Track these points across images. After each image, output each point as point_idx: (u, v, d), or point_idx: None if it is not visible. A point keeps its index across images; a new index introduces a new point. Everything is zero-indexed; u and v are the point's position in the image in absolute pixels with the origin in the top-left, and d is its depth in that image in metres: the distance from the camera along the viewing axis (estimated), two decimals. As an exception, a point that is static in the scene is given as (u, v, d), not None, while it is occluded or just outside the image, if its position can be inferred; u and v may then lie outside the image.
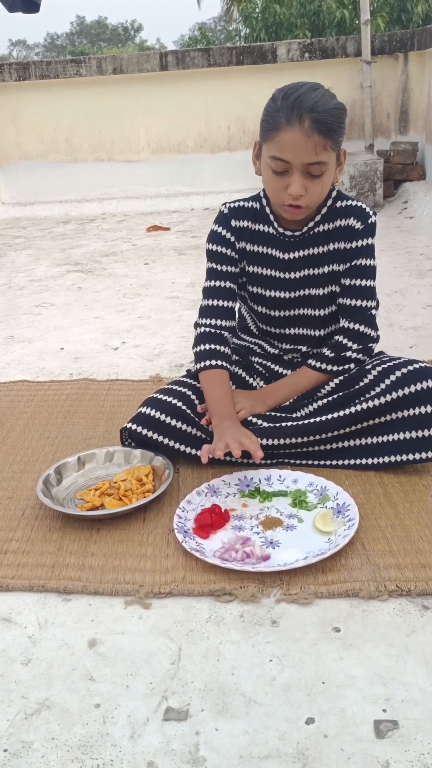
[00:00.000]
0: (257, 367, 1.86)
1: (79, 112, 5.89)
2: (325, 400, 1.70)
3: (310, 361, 1.76)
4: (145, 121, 5.89)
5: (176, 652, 1.18)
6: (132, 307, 3.16)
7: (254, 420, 1.69)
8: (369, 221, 1.69)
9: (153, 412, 1.66)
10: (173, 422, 1.65)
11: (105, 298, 3.32)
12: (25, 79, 5.78)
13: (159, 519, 1.52)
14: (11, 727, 1.06)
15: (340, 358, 1.72)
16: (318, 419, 1.64)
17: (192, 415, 1.67)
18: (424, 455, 1.59)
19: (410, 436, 1.59)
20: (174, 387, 1.74)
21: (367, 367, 1.69)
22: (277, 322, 1.82)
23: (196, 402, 1.70)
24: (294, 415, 1.72)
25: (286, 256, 1.73)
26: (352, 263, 1.70)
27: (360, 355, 1.71)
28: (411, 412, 1.58)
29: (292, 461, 1.69)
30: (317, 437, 1.65)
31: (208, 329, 1.75)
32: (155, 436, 1.66)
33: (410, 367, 1.60)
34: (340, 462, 1.67)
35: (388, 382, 1.60)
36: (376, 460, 1.64)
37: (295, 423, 1.66)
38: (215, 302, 1.76)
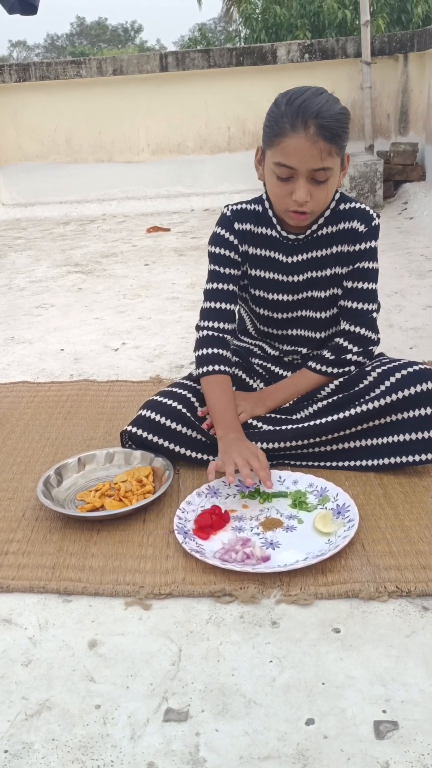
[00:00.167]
0: (257, 368, 1.86)
1: (79, 113, 5.89)
2: (325, 402, 1.70)
3: (310, 363, 1.76)
4: (145, 122, 5.90)
5: (176, 653, 1.18)
6: (132, 308, 3.16)
7: (254, 423, 1.69)
8: (372, 224, 1.68)
9: (153, 415, 1.66)
10: (173, 425, 1.65)
11: (105, 299, 3.32)
12: (25, 81, 5.79)
13: (159, 520, 1.53)
14: (12, 728, 1.06)
15: (340, 361, 1.72)
16: (318, 422, 1.64)
17: (192, 418, 1.67)
18: (424, 457, 1.59)
19: (410, 437, 1.59)
20: (174, 389, 1.73)
21: (367, 368, 1.68)
22: (278, 324, 1.82)
23: (197, 405, 1.70)
24: (294, 417, 1.72)
25: (289, 260, 1.73)
26: (355, 266, 1.69)
27: (360, 358, 1.71)
28: (411, 413, 1.58)
29: (292, 462, 1.69)
30: (318, 439, 1.65)
31: (210, 332, 1.74)
32: (155, 439, 1.66)
33: (410, 369, 1.60)
34: (341, 463, 1.67)
35: (387, 383, 1.60)
36: (376, 462, 1.64)
37: (295, 426, 1.66)
38: (217, 305, 1.75)
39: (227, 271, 1.75)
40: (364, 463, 1.65)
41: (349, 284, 1.71)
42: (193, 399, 1.71)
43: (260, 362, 1.87)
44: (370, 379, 1.65)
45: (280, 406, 1.75)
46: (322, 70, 5.55)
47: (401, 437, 1.60)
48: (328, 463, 1.67)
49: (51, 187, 6.04)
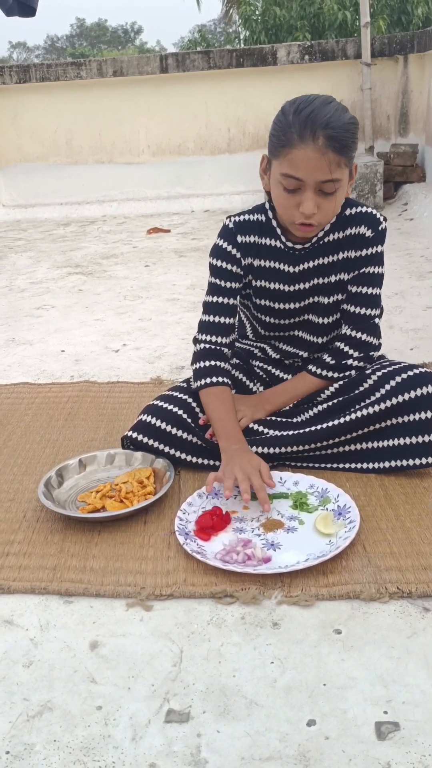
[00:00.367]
0: (257, 371, 1.85)
1: (79, 115, 5.90)
2: (324, 405, 1.70)
3: (309, 366, 1.75)
4: (146, 124, 5.90)
5: (178, 654, 1.18)
6: (132, 309, 3.16)
7: (256, 428, 1.69)
8: (380, 228, 1.65)
9: (153, 420, 1.66)
10: (173, 431, 1.65)
11: (106, 300, 3.32)
12: (25, 82, 5.79)
13: (160, 521, 1.53)
14: (13, 729, 1.06)
15: (340, 366, 1.71)
16: (319, 427, 1.64)
17: (192, 423, 1.67)
18: (424, 460, 1.59)
19: (411, 441, 1.59)
20: (174, 394, 1.73)
21: (367, 371, 1.68)
22: (281, 329, 1.81)
23: (197, 409, 1.70)
24: (294, 420, 1.71)
25: (294, 269, 1.70)
26: (360, 271, 1.67)
27: (360, 363, 1.70)
28: (411, 417, 1.58)
29: (293, 464, 1.69)
30: (319, 444, 1.65)
31: (207, 345, 1.72)
32: (155, 444, 1.66)
33: (410, 373, 1.60)
34: (342, 465, 1.67)
35: (387, 387, 1.60)
36: (376, 465, 1.64)
37: (295, 432, 1.65)
38: (216, 319, 1.72)
39: (227, 284, 1.72)
40: (365, 465, 1.65)
41: (354, 289, 1.69)
42: (194, 404, 1.70)
43: (260, 364, 1.86)
44: (370, 382, 1.64)
45: (280, 409, 1.75)
46: (322, 71, 5.56)
47: (402, 440, 1.60)
48: (329, 465, 1.67)
49: (51, 188, 6.04)
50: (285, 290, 1.73)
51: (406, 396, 1.57)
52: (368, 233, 1.65)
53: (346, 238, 1.66)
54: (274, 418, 1.72)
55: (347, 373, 1.71)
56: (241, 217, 1.72)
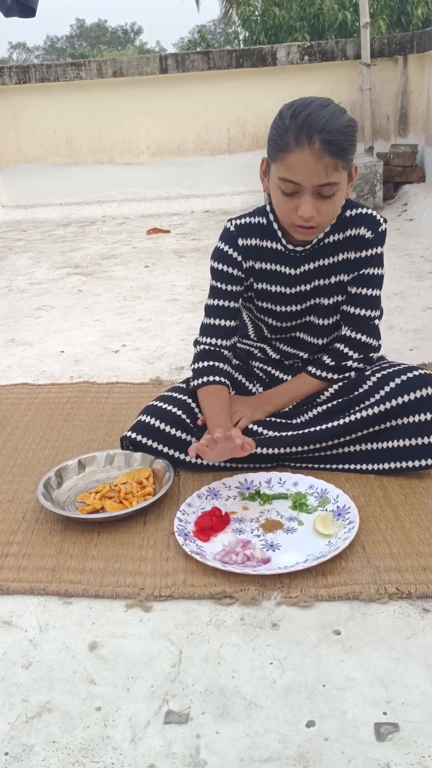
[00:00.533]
0: (257, 372, 1.85)
1: (79, 115, 5.90)
2: (324, 407, 1.69)
3: (309, 368, 1.75)
4: (145, 124, 5.90)
5: (177, 655, 1.18)
6: (132, 309, 3.16)
7: (255, 428, 1.69)
8: (380, 229, 1.65)
9: (152, 421, 1.66)
10: (172, 431, 1.65)
11: (105, 301, 3.32)
12: (25, 83, 5.79)
13: (159, 522, 1.53)
14: (12, 730, 1.06)
15: (340, 367, 1.71)
16: (318, 428, 1.64)
17: (191, 424, 1.67)
18: (424, 462, 1.59)
19: (410, 443, 1.59)
20: (173, 394, 1.73)
21: (367, 373, 1.68)
22: (282, 330, 1.81)
23: (196, 410, 1.70)
24: (294, 422, 1.71)
25: (295, 271, 1.70)
26: (360, 272, 1.67)
27: (360, 365, 1.70)
28: (411, 419, 1.58)
29: (292, 464, 1.69)
30: (318, 445, 1.64)
31: (207, 347, 1.73)
32: (155, 444, 1.66)
33: (409, 374, 1.60)
34: (341, 466, 1.67)
35: (387, 389, 1.60)
36: (376, 466, 1.64)
37: (295, 432, 1.65)
38: (217, 321, 1.73)
39: (229, 287, 1.72)
40: (364, 467, 1.65)
41: (353, 290, 1.69)
42: (193, 405, 1.70)
43: (260, 365, 1.86)
44: (369, 383, 1.64)
45: (279, 410, 1.75)
46: (322, 71, 5.56)
47: (401, 442, 1.60)
48: (328, 466, 1.67)
49: (51, 188, 6.04)
50: (286, 292, 1.73)
51: (406, 398, 1.57)
52: (368, 234, 1.65)
53: (346, 239, 1.66)
54: (273, 420, 1.72)
55: (346, 375, 1.71)
56: (242, 220, 1.72)
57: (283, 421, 1.72)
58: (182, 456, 1.66)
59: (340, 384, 1.71)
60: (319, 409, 1.70)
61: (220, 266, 1.72)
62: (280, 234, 1.69)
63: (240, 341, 1.92)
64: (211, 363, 1.70)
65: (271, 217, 1.70)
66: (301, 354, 1.83)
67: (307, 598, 1.27)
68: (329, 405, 1.69)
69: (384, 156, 5.28)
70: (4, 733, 1.05)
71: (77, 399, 2.18)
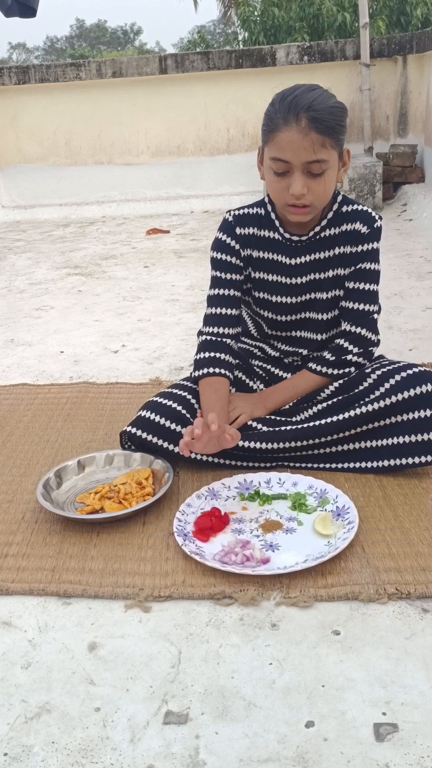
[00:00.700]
0: (257, 370, 1.86)
1: (78, 116, 5.90)
2: (324, 404, 1.70)
3: (310, 364, 1.76)
4: (145, 124, 5.90)
5: (176, 655, 1.18)
6: (132, 310, 3.16)
7: (254, 424, 1.69)
8: (375, 225, 1.69)
9: (153, 416, 1.66)
10: (172, 426, 1.65)
11: (105, 301, 3.32)
12: (24, 83, 5.79)
13: (159, 522, 1.53)
14: (11, 731, 1.06)
15: (340, 362, 1.72)
16: (317, 423, 1.64)
17: (191, 419, 1.67)
18: (423, 459, 1.59)
19: (410, 439, 1.59)
20: (174, 390, 1.74)
21: (367, 370, 1.69)
22: (282, 326, 1.82)
23: (196, 406, 1.70)
24: (294, 419, 1.72)
25: (292, 261, 1.73)
26: (357, 267, 1.70)
27: (360, 359, 1.72)
28: (410, 415, 1.59)
29: (291, 464, 1.69)
30: (317, 441, 1.65)
31: (210, 338, 1.75)
32: (155, 439, 1.66)
33: (409, 371, 1.61)
34: (340, 465, 1.67)
35: (387, 386, 1.60)
36: (375, 464, 1.64)
37: (294, 427, 1.66)
38: (219, 310, 1.76)
39: (229, 276, 1.75)
40: (363, 465, 1.65)
41: (351, 285, 1.71)
42: (193, 400, 1.71)
43: (260, 364, 1.87)
44: (369, 381, 1.65)
45: (280, 407, 1.75)
46: (322, 72, 5.56)
47: (401, 439, 1.60)
48: (327, 465, 1.67)
49: (51, 189, 6.04)
50: (283, 282, 1.75)
51: (405, 394, 1.58)
52: (364, 230, 1.68)
53: (342, 234, 1.70)
54: (273, 417, 1.72)
55: (348, 370, 1.72)
56: (241, 211, 1.77)
57: (283, 419, 1.72)
58: None
59: (341, 382, 1.71)
60: (319, 406, 1.70)
61: (219, 255, 1.75)
62: (277, 224, 1.72)
63: (240, 340, 1.92)
64: (212, 354, 1.72)
65: (269, 207, 1.74)
66: (301, 351, 1.84)
67: (307, 598, 1.27)
68: (329, 402, 1.69)
69: (383, 156, 5.28)
70: (3, 734, 1.05)
71: (77, 399, 2.18)
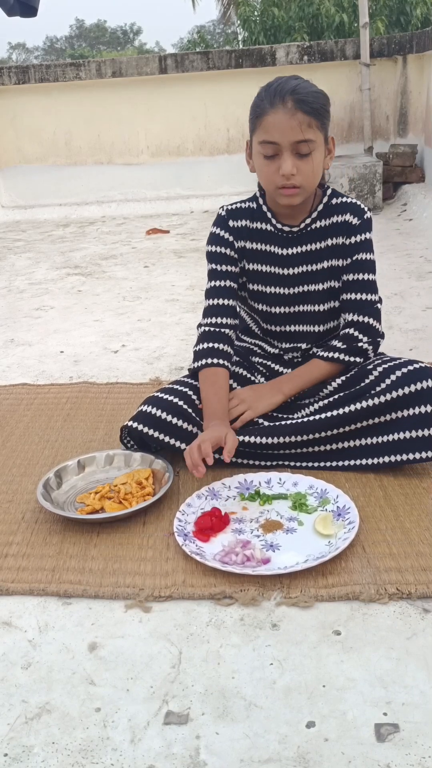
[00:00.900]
0: (258, 366, 1.87)
1: (78, 116, 5.89)
2: (326, 400, 1.70)
3: (320, 352, 1.76)
4: (145, 124, 5.90)
5: (177, 655, 1.18)
6: (132, 310, 3.16)
7: (254, 419, 1.70)
8: (365, 216, 1.73)
9: (154, 410, 1.67)
10: (174, 420, 1.65)
11: (105, 301, 3.32)
12: (24, 83, 5.79)
13: (159, 522, 1.52)
14: (11, 732, 1.05)
15: (352, 349, 1.72)
16: (318, 417, 1.65)
17: (193, 413, 1.68)
18: (424, 455, 1.59)
19: (410, 435, 1.59)
20: (175, 386, 1.75)
21: (369, 367, 1.69)
22: (278, 320, 1.83)
23: (197, 401, 1.71)
24: (295, 416, 1.72)
25: (285, 252, 1.76)
26: (353, 258, 1.73)
27: (370, 349, 1.73)
28: (411, 411, 1.59)
29: (292, 464, 1.69)
30: (317, 436, 1.65)
31: (209, 328, 1.77)
32: (155, 433, 1.66)
33: (410, 367, 1.61)
34: (341, 463, 1.67)
35: (388, 381, 1.61)
36: (376, 461, 1.64)
37: (294, 421, 1.66)
38: (217, 301, 1.79)
39: (225, 268, 1.79)
40: (364, 461, 1.65)
41: (350, 277, 1.73)
42: (194, 396, 1.72)
43: (260, 360, 1.88)
44: (371, 377, 1.65)
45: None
46: (321, 72, 5.55)
47: (401, 435, 1.60)
48: (328, 464, 1.67)
49: (50, 189, 6.04)
50: (277, 273, 1.78)
51: (407, 390, 1.58)
52: (354, 221, 1.72)
53: (333, 225, 1.74)
54: (274, 414, 1.73)
55: (359, 359, 1.72)
56: (233, 205, 1.82)
57: (284, 415, 1.72)
58: (182, 446, 1.66)
59: (344, 378, 1.71)
60: (321, 403, 1.71)
61: (214, 248, 1.80)
62: (269, 215, 1.76)
63: (240, 337, 1.93)
64: (211, 345, 1.74)
65: (261, 201, 1.78)
66: (300, 345, 1.84)
67: (307, 598, 1.27)
68: (331, 399, 1.69)
69: (383, 156, 5.28)
70: (3, 734, 1.05)
71: (77, 399, 2.18)
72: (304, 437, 1.65)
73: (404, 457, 1.61)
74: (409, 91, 5.49)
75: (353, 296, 1.74)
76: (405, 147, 5.27)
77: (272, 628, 1.22)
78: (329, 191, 1.75)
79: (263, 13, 13.12)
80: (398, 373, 1.60)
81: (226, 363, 1.73)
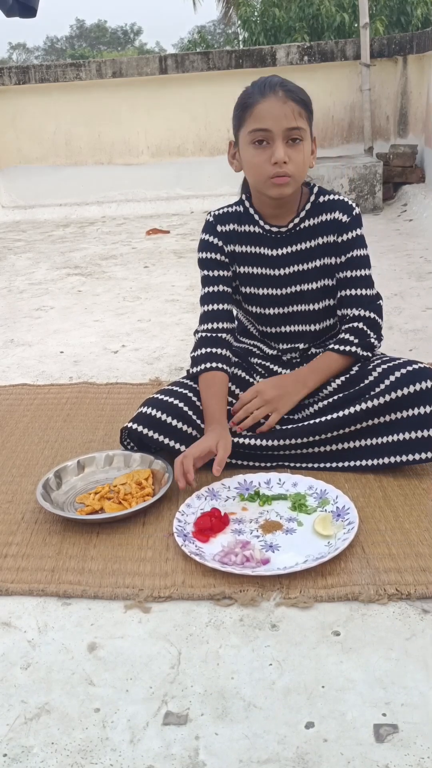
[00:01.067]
0: (257, 367, 1.87)
1: (78, 116, 5.90)
2: (327, 401, 1.70)
3: (334, 346, 1.72)
4: (145, 125, 5.90)
5: (176, 656, 1.18)
6: (132, 310, 3.16)
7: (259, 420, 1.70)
8: (354, 213, 1.73)
9: (153, 412, 1.67)
10: (173, 422, 1.65)
11: (105, 302, 3.32)
12: (24, 83, 5.79)
13: (159, 523, 1.52)
14: (11, 732, 1.06)
15: (365, 344, 1.71)
16: (319, 420, 1.65)
17: (193, 415, 1.68)
18: (423, 455, 1.59)
19: (410, 436, 1.59)
20: (174, 388, 1.74)
21: (369, 367, 1.69)
22: (273, 321, 1.83)
23: (198, 403, 1.71)
24: (295, 417, 1.72)
25: (275, 253, 1.76)
26: (348, 255, 1.73)
27: (377, 344, 1.74)
28: (411, 412, 1.59)
29: (291, 464, 1.69)
30: (318, 438, 1.65)
31: (205, 334, 1.77)
32: (155, 435, 1.66)
33: (410, 368, 1.61)
34: (340, 464, 1.67)
35: (387, 382, 1.60)
36: (375, 462, 1.64)
37: (296, 425, 1.66)
38: (212, 307, 1.78)
39: (218, 273, 1.80)
40: (364, 463, 1.65)
41: (347, 274, 1.74)
42: (194, 398, 1.71)
43: (259, 361, 1.88)
44: (371, 377, 1.65)
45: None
46: (322, 72, 5.56)
47: (400, 436, 1.60)
48: (328, 464, 1.67)
49: (50, 189, 6.04)
50: (268, 274, 1.78)
51: (406, 390, 1.58)
52: (344, 218, 1.72)
53: (322, 223, 1.74)
54: None
55: (369, 353, 1.72)
56: (221, 210, 1.84)
57: (286, 417, 1.72)
58: (182, 447, 1.66)
59: (343, 379, 1.71)
60: (321, 404, 1.71)
61: (205, 255, 1.82)
62: (257, 217, 1.77)
63: (238, 339, 1.93)
64: (208, 350, 1.74)
65: (247, 203, 1.79)
66: (297, 345, 1.84)
67: (307, 599, 1.27)
68: (332, 399, 1.69)
69: (384, 156, 5.28)
70: (2, 735, 1.05)
71: (76, 399, 2.18)
72: (306, 439, 1.65)
73: (404, 458, 1.60)
74: (409, 91, 5.49)
75: (354, 292, 1.74)
76: (405, 147, 5.28)
77: (271, 629, 1.22)
78: (315, 189, 1.76)
79: (264, 13, 13.13)
80: (398, 374, 1.60)
81: (224, 367, 1.72)
